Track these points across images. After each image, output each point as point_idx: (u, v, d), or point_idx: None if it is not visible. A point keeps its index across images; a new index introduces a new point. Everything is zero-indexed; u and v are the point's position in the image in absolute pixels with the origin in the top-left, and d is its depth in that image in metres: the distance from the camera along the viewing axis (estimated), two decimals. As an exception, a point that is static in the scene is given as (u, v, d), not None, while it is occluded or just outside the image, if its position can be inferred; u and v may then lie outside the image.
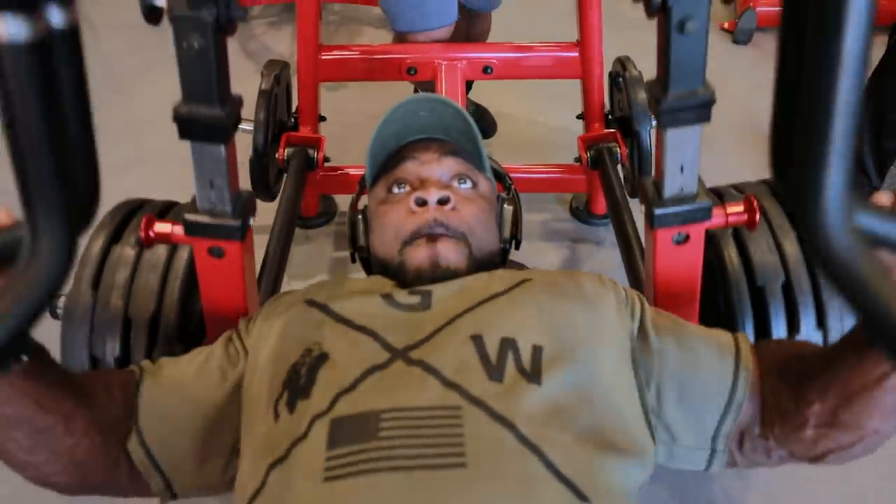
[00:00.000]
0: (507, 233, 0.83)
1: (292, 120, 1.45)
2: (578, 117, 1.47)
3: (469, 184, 0.78)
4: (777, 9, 1.73)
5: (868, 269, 0.39)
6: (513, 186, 0.91)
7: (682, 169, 0.71)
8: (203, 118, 0.66)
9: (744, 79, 2.27)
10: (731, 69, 2.33)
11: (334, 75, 1.47)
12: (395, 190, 0.77)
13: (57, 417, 0.57)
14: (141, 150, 1.90)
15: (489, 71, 1.37)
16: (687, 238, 0.76)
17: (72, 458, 0.59)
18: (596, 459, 0.55)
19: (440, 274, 0.69)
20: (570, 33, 1.41)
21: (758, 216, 0.77)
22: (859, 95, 0.35)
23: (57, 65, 0.38)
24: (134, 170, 1.79)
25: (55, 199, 0.39)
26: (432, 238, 0.70)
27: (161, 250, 0.90)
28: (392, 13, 1.41)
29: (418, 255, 0.70)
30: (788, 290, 0.88)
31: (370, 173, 0.84)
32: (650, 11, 0.61)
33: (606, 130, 1.38)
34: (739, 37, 2.45)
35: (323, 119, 1.49)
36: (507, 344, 0.59)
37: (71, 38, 0.38)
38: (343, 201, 1.73)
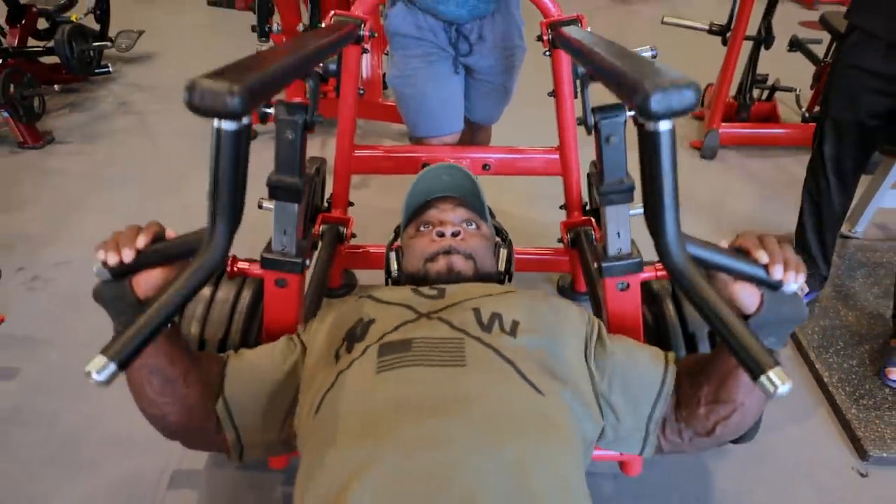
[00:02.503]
0: (502, 267, 1.12)
1: (326, 204, 1.76)
2: (561, 207, 1.78)
3: (474, 226, 1.09)
4: (736, 130, 2.20)
5: (694, 274, 0.67)
6: (507, 236, 1.22)
7: (618, 234, 1.00)
8: (286, 184, 0.96)
9: (710, 188, 2.62)
10: (700, 180, 2.69)
11: (364, 168, 1.80)
12: (422, 228, 1.08)
13: (180, 371, 0.83)
14: (191, 228, 2.21)
15: (487, 168, 1.70)
16: (628, 286, 1.04)
17: (184, 402, 0.85)
18: (551, 381, 0.81)
19: (453, 277, 0.98)
20: (553, 140, 1.75)
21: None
22: (675, 194, 0.64)
23: (241, 143, 0.66)
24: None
25: (227, 214, 0.68)
26: (447, 253, 1.00)
27: (228, 294, 1.18)
28: (412, 122, 1.77)
29: (437, 265, 1.00)
30: (712, 336, 1.14)
31: (405, 218, 1.17)
32: (588, 131, 0.93)
33: (583, 217, 1.68)
34: (706, 153, 2.84)
35: (351, 204, 1.80)
36: (496, 315, 0.87)
37: (248, 130, 0.67)
38: (362, 276, 2.02)
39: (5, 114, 2.84)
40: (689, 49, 3.63)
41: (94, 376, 0.61)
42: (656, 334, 1.17)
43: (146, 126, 3.22)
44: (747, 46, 2.83)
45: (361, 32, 1.37)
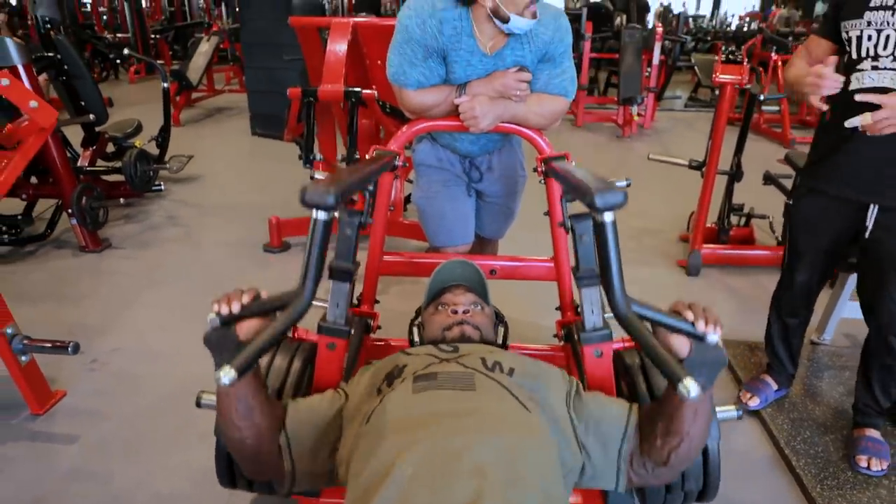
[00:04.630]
0: (500, 340, 1.41)
1: (356, 301, 2.07)
2: (556, 308, 2.07)
3: (480, 307, 1.40)
4: (717, 251, 2.65)
5: (635, 321, 0.97)
6: (504, 319, 1.54)
7: (592, 311, 1.30)
8: (342, 268, 1.28)
9: (694, 301, 2.91)
10: (685, 294, 2.99)
11: (391, 271, 2.12)
12: (440, 308, 1.39)
13: (258, 402, 1.10)
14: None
15: (494, 273, 2.02)
16: (602, 353, 1.32)
17: (259, 428, 1.10)
18: (536, 406, 1.08)
19: (464, 341, 1.26)
20: (549, 252, 2.08)
21: (640, 343, 1.34)
22: (619, 266, 0.96)
23: (328, 229, 0.99)
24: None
25: (314, 275, 0.99)
26: (460, 324, 1.30)
27: (283, 362, 1.45)
28: (431, 234, 2.12)
29: (452, 332, 1.30)
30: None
31: (426, 301, 1.50)
32: (566, 230, 1.26)
33: (575, 316, 1.97)
34: (691, 270, 3.17)
35: (377, 302, 2.11)
36: (497, 362, 1.15)
37: (332, 221, 1.00)
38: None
39: (74, 221, 3.26)
40: (676, 181, 4.11)
41: (223, 379, 0.90)
42: (629, 400, 1.43)
43: (191, 237, 3.62)
44: (724, 180, 3.26)
45: (396, 163, 1.75)
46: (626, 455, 1.13)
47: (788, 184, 3.46)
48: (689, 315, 1.03)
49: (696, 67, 7.89)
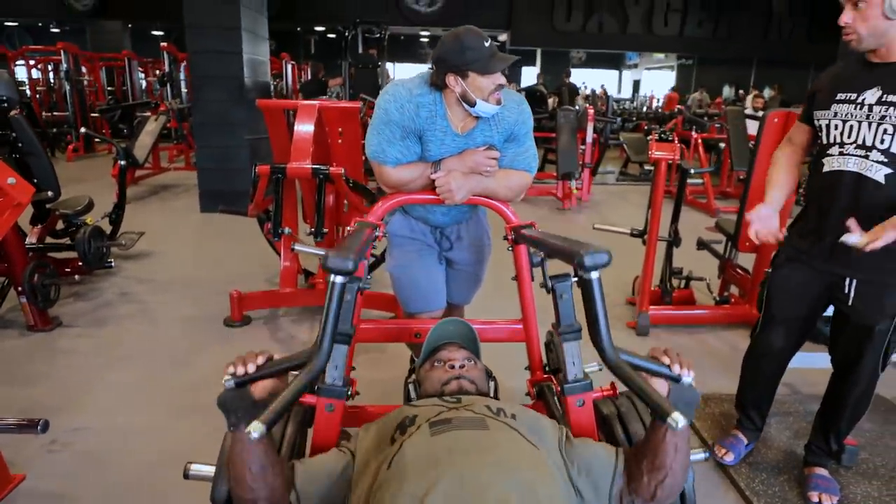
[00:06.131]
0: (491, 394, 1.50)
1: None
2: (526, 368, 2.18)
3: (473, 362, 1.50)
4: (662, 312, 2.89)
5: (623, 366, 1.10)
6: (493, 374, 1.64)
7: (573, 363, 1.42)
8: (343, 331, 1.36)
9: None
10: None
11: (368, 337, 2.18)
12: (436, 364, 1.47)
13: (271, 461, 1.14)
14: (196, 401, 2.47)
15: (466, 336, 2.12)
16: (584, 402, 1.43)
17: (272, 487, 1.14)
18: (542, 446, 1.17)
19: (462, 393, 1.35)
20: (515, 314, 2.20)
21: (616, 391, 1.46)
22: (606, 318, 1.10)
23: (345, 292, 1.08)
24: (189, 417, 2.34)
25: (330, 336, 1.07)
26: (458, 378, 1.38)
27: (279, 425, 1.48)
28: (405, 300, 2.21)
29: (451, 386, 1.38)
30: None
31: (422, 358, 1.59)
32: (547, 291, 1.40)
33: (545, 375, 2.08)
34: (640, 331, 3.37)
35: (353, 368, 2.16)
36: (501, 409, 1.24)
37: (347, 285, 1.10)
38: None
39: (23, 299, 3.16)
40: (619, 248, 4.36)
41: (253, 434, 0.95)
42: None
43: (147, 313, 3.56)
44: (664, 246, 3.54)
45: (377, 233, 1.87)
46: (616, 494, 1.23)
47: (720, 248, 3.79)
48: (666, 360, 1.17)
49: (624, 145, 8.53)
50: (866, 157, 1.65)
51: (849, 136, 1.69)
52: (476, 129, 1.88)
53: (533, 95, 9.53)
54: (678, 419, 1.01)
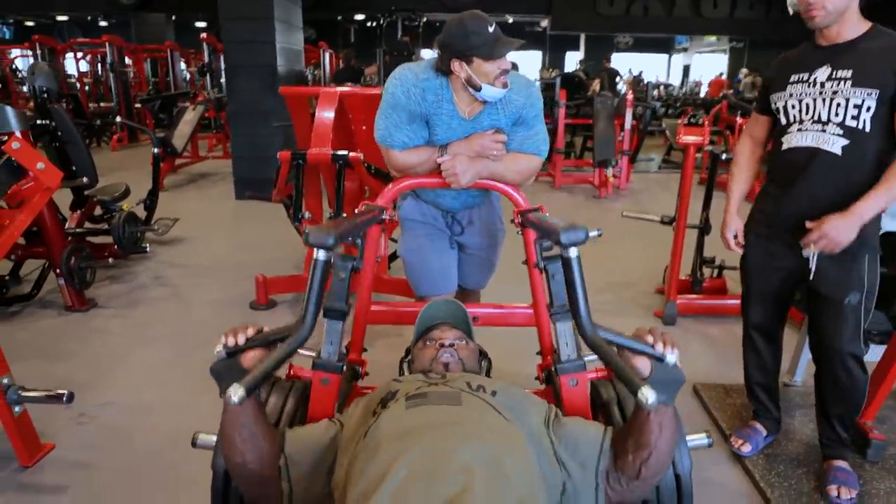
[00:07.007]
0: (483, 373, 1.50)
1: (345, 349, 2.14)
2: (538, 353, 2.16)
3: (464, 342, 1.50)
4: (691, 301, 2.84)
5: (601, 343, 1.08)
6: (487, 355, 1.66)
7: (566, 344, 1.40)
8: (336, 308, 1.37)
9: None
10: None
11: (378, 320, 2.20)
12: (428, 343, 1.48)
13: (260, 427, 1.17)
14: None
15: (476, 320, 2.10)
16: (577, 382, 1.41)
17: (260, 452, 1.17)
18: (516, 419, 1.17)
19: (450, 370, 1.35)
20: (528, 299, 2.18)
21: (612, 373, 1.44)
22: (584, 295, 1.08)
23: (326, 267, 1.10)
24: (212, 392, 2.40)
25: (314, 307, 1.09)
26: (446, 356, 1.39)
27: (279, 399, 1.52)
28: (416, 283, 2.22)
29: (439, 363, 1.37)
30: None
31: (415, 337, 1.60)
32: (538, 270, 1.38)
33: (554, 360, 2.06)
34: (667, 320, 3.30)
35: (365, 350, 2.18)
36: (481, 385, 1.24)
37: (329, 261, 1.11)
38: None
39: (62, 281, 3.31)
40: (650, 237, 4.29)
41: (232, 398, 0.98)
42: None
43: (179, 296, 3.68)
44: (695, 234, 3.45)
45: (383, 216, 1.88)
46: (602, 471, 1.21)
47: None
48: (649, 338, 1.15)
49: (667, 131, 8.31)
50: (823, 130, 1.75)
51: (806, 113, 1.78)
52: (483, 113, 1.86)
53: (571, 81, 9.38)
54: (647, 395, 0.99)
